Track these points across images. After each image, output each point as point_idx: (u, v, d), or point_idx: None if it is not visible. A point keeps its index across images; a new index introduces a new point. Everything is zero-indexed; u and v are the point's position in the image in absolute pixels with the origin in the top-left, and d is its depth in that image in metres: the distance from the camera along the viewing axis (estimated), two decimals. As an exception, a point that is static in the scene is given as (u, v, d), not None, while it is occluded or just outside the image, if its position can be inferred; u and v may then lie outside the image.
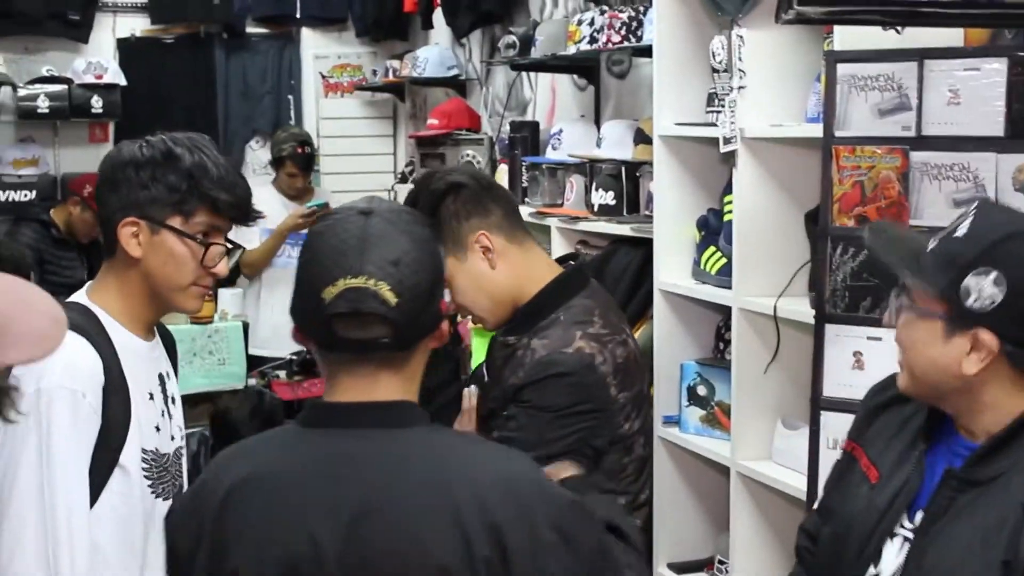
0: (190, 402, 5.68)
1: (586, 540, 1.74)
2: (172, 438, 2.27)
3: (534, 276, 2.58)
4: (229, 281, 6.16)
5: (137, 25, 7.07)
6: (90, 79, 6.59)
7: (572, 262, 2.70)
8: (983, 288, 1.80)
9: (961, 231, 1.86)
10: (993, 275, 1.80)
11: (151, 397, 2.21)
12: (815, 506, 2.27)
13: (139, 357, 2.20)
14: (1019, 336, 1.83)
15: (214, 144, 2.26)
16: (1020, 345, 1.83)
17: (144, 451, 2.16)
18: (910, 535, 1.93)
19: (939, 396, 1.93)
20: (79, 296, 2.23)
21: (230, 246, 2.25)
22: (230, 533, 1.73)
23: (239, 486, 1.75)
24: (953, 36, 2.75)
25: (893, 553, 1.94)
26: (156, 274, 2.18)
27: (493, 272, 2.53)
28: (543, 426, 2.43)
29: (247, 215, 2.25)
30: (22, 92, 6.53)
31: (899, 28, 2.52)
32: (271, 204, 5.97)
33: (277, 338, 5.98)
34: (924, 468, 1.95)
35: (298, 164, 6.01)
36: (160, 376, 2.28)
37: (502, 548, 1.65)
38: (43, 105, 6.53)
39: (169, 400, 2.29)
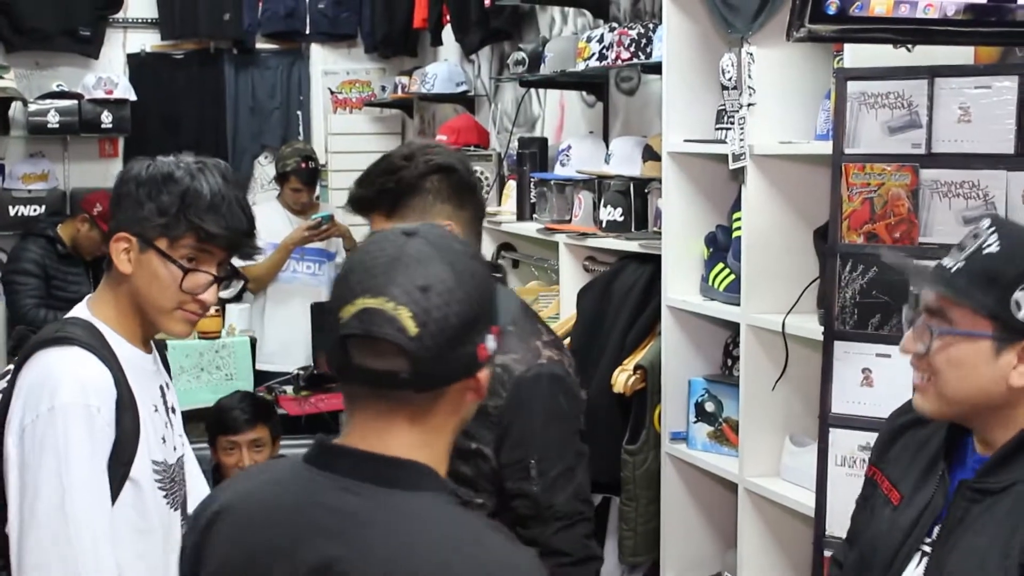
0: (196, 417, 5.70)
1: None
2: (174, 448, 2.28)
3: None
4: (236, 296, 6.16)
5: (147, 41, 7.08)
6: (100, 94, 6.60)
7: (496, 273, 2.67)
8: None
9: (992, 248, 1.87)
10: None
11: (155, 409, 2.22)
12: (845, 536, 2.27)
13: (142, 370, 2.21)
14: None
15: (229, 172, 2.24)
16: None
17: (155, 463, 2.17)
18: (929, 549, 1.94)
19: (970, 415, 1.94)
20: (80, 311, 2.22)
21: (219, 275, 2.22)
22: (206, 556, 1.67)
23: (223, 510, 1.68)
24: (964, 54, 2.75)
25: (912, 568, 1.96)
26: (142, 293, 2.18)
27: None
28: (565, 441, 2.48)
29: (238, 247, 2.23)
30: (32, 107, 6.53)
31: (909, 46, 2.53)
32: (276, 219, 6.00)
33: (284, 353, 6.00)
34: (948, 485, 1.96)
35: (302, 179, 6.02)
36: (161, 387, 2.29)
37: None
38: (53, 120, 6.54)
39: (170, 410, 2.30)
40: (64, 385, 2.05)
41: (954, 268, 1.89)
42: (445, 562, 1.51)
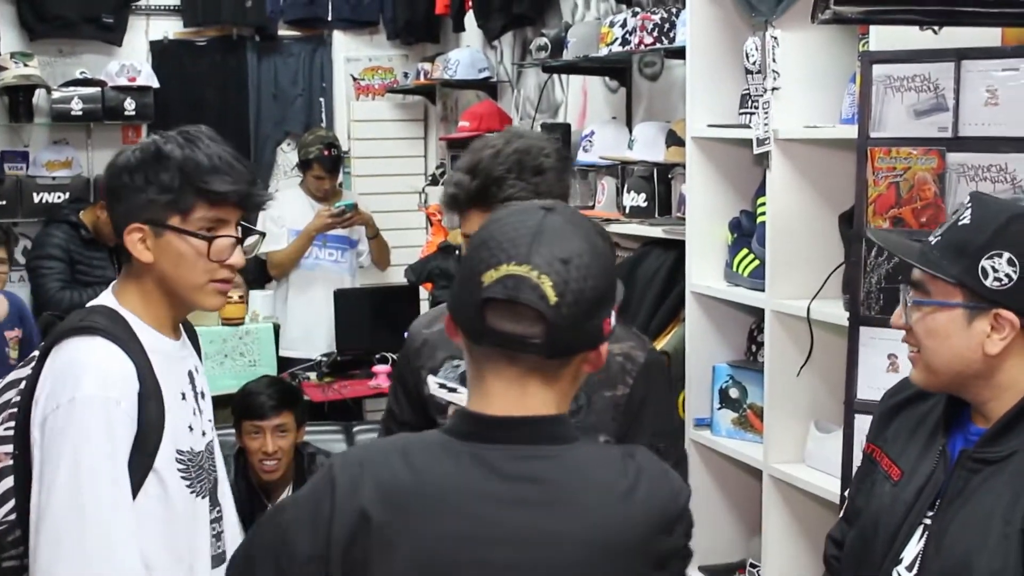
0: (219, 403, 5.71)
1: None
2: (204, 434, 2.26)
3: None
4: (260, 283, 6.18)
5: (170, 28, 7.07)
6: (123, 82, 6.60)
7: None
8: (999, 269, 1.89)
9: (965, 220, 1.94)
10: (1006, 256, 1.88)
11: (183, 397, 2.20)
12: (840, 514, 2.28)
13: (169, 358, 2.19)
14: None
15: (215, 134, 2.19)
16: None
17: (179, 452, 2.15)
18: (930, 523, 1.97)
19: (959, 385, 1.98)
20: (106, 299, 2.20)
21: (239, 236, 2.19)
22: (390, 538, 1.63)
23: (397, 490, 1.65)
24: (991, 36, 2.72)
25: (914, 542, 1.98)
26: (169, 276, 2.15)
27: None
28: (680, 425, 2.67)
29: (249, 199, 2.19)
30: (56, 94, 6.54)
31: (936, 28, 2.50)
32: (298, 205, 6.01)
33: (307, 339, 6.01)
34: (949, 458, 1.99)
35: (324, 166, 6.02)
36: (189, 373, 2.26)
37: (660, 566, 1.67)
38: (76, 107, 6.54)
39: (199, 396, 2.28)
40: (86, 376, 2.03)
41: (933, 242, 1.96)
42: (630, 492, 1.65)
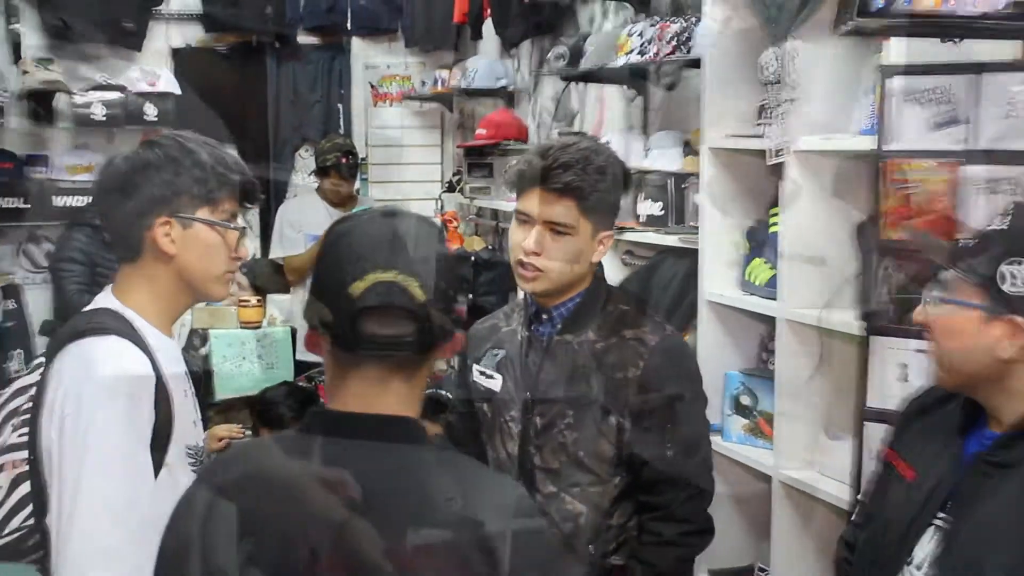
0: (237, 406, 5.76)
1: None
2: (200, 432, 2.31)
3: (586, 276, 2.64)
4: (277, 288, 6.22)
5: (191, 34, 7.13)
6: (144, 86, 6.63)
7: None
8: (1017, 275, 1.89)
9: (1000, 226, 1.95)
10: None
11: (185, 394, 2.22)
12: (852, 517, 2.30)
13: (171, 356, 2.21)
14: None
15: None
16: None
17: (188, 447, 2.18)
18: (942, 523, 1.98)
19: (972, 386, 2.01)
20: (106, 301, 2.20)
21: (241, 227, 2.28)
22: (221, 533, 1.70)
23: (233, 486, 1.73)
24: (1010, 50, 2.74)
25: (926, 541, 2.00)
26: (192, 267, 2.20)
27: (590, 262, 2.59)
28: (699, 408, 2.62)
29: (256, 195, 2.32)
30: (78, 99, 6.57)
31: (956, 41, 2.53)
32: (316, 211, 6.05)
33: (323, 344, 6.03)
34: (962, 461, 2.00)
35: (342, 173, 6.06)
36: (186, 372, 2.28)
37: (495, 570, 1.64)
38: (98, 112, 6.58)
39: (194, 395, 2.31)
40: (105, 375, 2.04)
41: (967, 245, 1.98)
42: (457, 500, 1.68)
